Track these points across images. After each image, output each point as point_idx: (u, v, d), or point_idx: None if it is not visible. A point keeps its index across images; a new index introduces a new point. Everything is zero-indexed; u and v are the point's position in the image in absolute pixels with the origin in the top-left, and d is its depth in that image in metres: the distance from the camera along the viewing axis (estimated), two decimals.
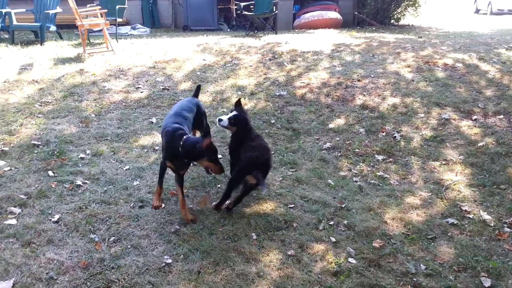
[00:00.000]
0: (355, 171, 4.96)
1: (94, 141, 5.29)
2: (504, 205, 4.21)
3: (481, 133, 5.58)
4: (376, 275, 3.19)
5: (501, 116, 6.03)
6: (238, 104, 4.29)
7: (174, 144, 3.65)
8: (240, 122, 4.12)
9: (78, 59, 8.44)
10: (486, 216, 4.00)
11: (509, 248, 3.59)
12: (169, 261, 3.23)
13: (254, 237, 3.61)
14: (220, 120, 4.11)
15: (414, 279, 3.16)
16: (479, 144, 5.30)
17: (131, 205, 3.97)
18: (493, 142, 5.35)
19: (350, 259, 3.36)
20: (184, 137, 3.64)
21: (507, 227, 3.88)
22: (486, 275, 3.22)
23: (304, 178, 4.71)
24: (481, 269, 3.29)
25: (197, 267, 3.19)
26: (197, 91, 4.81)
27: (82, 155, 4.89)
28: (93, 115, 6.05)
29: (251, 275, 3.15)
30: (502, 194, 4.40)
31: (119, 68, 7.84)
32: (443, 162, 5.03)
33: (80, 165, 4.69)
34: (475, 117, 6.01)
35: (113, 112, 6.16)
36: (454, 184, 4.57)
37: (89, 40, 10.30)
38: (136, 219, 3.75)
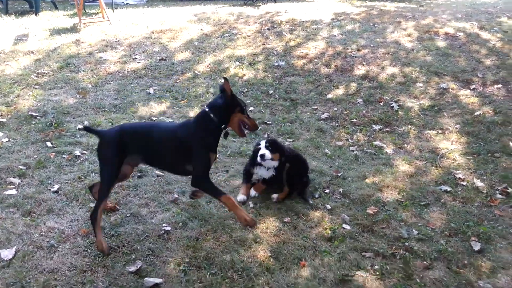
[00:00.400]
0: (352, 141, 4.99)
1: (91, 112, 5.30)
2: (497, 172, 4.27)
3: (479, 102, 5.58)
4: (369, 240, 3.28)
5: (500, 85, 6.02)
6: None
7: (206, 121, 3.06)
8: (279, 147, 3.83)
9: (74, 29, 8.33)
10: (479, 183, 4.06)
11: (500, 214, 3.67)
12: (168, 228, 3.31)
13: (251, 205, 3.69)
14: (262, 156, 3.67)
15: (406, 244, 3.24)
16: (476, 113, 5.31)
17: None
18: (490, 111, 5.36)
19: (344, 225, 3.44)
20: (204, 108, 3.11)
21: (499, 193, 3.95)
22: (476, 239, 3.31)
23: (302, 148, 4.74)
24: (472, 233, 3.37)
25: (195, 234, 3.27)
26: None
27: (80, 126, 4.91)
28: (90, 86, 6.03)
29: (248, 241, 3.23)
30: (496, 162, 4.46)
31: (116, 39, 7.75)
32: (440, 131, 5.06)
33: (78, 135, 4.72)
34: (473, 86, 6.00)
35: (110, 83, 6.13)
36: (449, 153, 4.62)
37: (84, 10, 10.13)
38: (135, 189, 3.81)
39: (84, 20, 8.76)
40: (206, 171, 3.09)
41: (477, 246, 3.24)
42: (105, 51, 7.23)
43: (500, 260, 3.11)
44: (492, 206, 3.79)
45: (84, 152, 4.39)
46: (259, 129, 5.14)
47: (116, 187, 3.80)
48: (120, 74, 6.42)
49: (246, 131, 3.23)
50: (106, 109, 5.40)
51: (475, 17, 8.78)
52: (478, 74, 6.29)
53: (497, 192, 3.99)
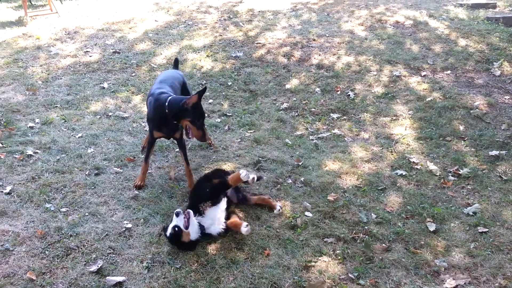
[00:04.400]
0: (312, 130, 5.07)
1: (43, 109, 5.07)
2: (449, 155, 4.49)
3: (429, 89, 5.81)
4: (331, 226, 3.36)
5: (449, 72, 6.29)
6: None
7: (160, 106, 3.41)
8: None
9: (19, 22, 7.89)
10: (433, 167, 4.25)
11: (453, 195, 3.87)
12: (129, 225, 3.24)
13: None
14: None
15: (366, 228, 3.36)
16: (427, 99, 5.54)
17: (87, 172, 3.89)
18: (440, 97, 5.61)
19: (306, 213, 3.51)
20: (170, 97, 3.43)
21: (451, 175, 4.16)
22: (432, 220, 3.48)
23: (262, 139, 4.77)
24: (427, 215, 3.54)
25: (158, 230, 3.22)
26: (176, 64, 4.54)
27: (31, 124, 4.68)
28: (40, 82, 5.75)
29: (212, 234, 3.21)
30: (447, 145, 4.68)
31: (66, 31, 7.42)
32: (394, 118, 5.24)
33: (29, 134, 4.50)
34: (424, 73, 6.24)
35: (61, 78, 5.88)
36: (403, 138, 4.80)
37: (30, 2, 9.58)
38: (93, 187, 3.70)
39: (31, 12, 8.31)
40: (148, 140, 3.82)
41: (432, 227, 3.40)
42: (55, 45, 6.91)
43: (454, 239, 3.29)
44: (445, 187, 3.98)
45: (37, 151, 4.20)
46: (219, 121, 5.11)
47: (72, 185, 3.68)
48: (72, 69, 6.16)
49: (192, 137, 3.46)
50: (58, 106, 5.17)
51: (424, 5, 9.10)
52: (429, 61, 6.55)
53: (450, 174, 4.19)
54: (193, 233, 2.96)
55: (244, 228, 3.03)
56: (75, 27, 7.60)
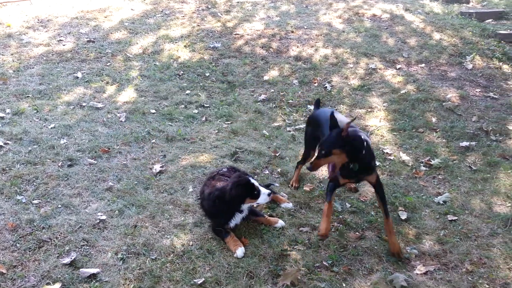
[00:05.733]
0: (289, 121, 5.10)
1: (14, 99, 4.92)
2: (421, 146, 4.60)
3: (404, 81, 5.92)
4: (306, 216, 3.41)
5: (423, 65, 6.42)
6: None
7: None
8: None
9: None
10: (405, 157, 4.35)
11: (424, 184, 3.98)
12: (104, 217, 3.20)
13: (191, 189, 3.66)
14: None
15: (340, 216, 3.42)
16: (401, 92, 5.64)
17: (59, 164, 3.82)
18: (414, 89, 5.73)
19: (283, 204, 3.54)
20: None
21: (423, 166, 4.27)
22: (403, 209, 3.57)
23: (240, 130, 4.77)
24: (399, 204, 3.63)
25: (133, 221, 3.20)
26: (317, 104, 3.82)
27: (1, 114, 4.54)
28: (11, 71, 5.57)
29: (189, 225, 3.22)
30: (420, 137, 4.79)
31: (38, 19, 7.19)
32: (369, 110, 5.33)
33: (0, 125, 4.37)
34: (399, 66, 6.35)
35: (33, 67, 5.71)
36: (378, 130, 4.89)
37: None
38: (66, 178, 3.63)
39: None
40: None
41: (404, 215, 3.49)
42: (27, 33, 6.69)
43: (424, 227, 3.39)
44: (417, 177, 4.09)
45: (8, 142, 4.08)
46: (196, 112, 5.09)
47: (44, 177, 3.61)
48: (44, 58, 5.99)
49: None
50: (30, 96, 5.03)
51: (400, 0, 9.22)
52: (404, 54, 6.66)
53: (421, 164, 4.30)
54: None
55: None
56: (48, 15, 7.37)
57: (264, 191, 3.05)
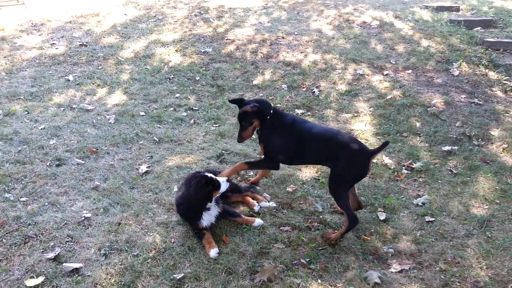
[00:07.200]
0: None
1: (5, 101, 5.01)
2: (404, 150, 4.71)
3: (390, 87, 6.04)
4: (288, 215, 3.50)
5: (410, 71, 6.55)
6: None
7: None
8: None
9: None
10: (388, 161, 4.45)
11: (405, 187, 4.08)
12: (89, 215, 3.28)
13: (176, 189, 3.73)
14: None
15: (320, 217, 3.51)
16: (387, 97, 5.76)
17: (48, 163, 3.90)
18: (400, 95, 5.84)
19: (265, 203, 3.62)
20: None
21: (405, 169, 4.37)
22: (382, 210, 3.67)
23: (227, 133, 4.87)
24: (379, 205, 3.72)
25: (117, 219, 3.28)
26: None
27: None
28: (3, 74, 5.66)
29: (172, 223, 3.30)
30: (403, 141, 4.90)
31: (32, 23, 7.30)
32: (355, 114, 5.44)
33: None
34: (386, 72, 6.47)
35: (25, 70, 5.80)
36: (363, 133, 4.99)
37: None
38: (53, 177, 3.71)
39: None
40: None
41: (382, 216, 3.59)
42: (20, 36, 6.79)
43: (402, 227, 3.48)
44: (398, 180, 4.19)
45: None
46: (185, 115, 5.18)
47: (32, 176, 3.69)
48: (37, 61, 6.09)
49: None
50: (22, 97, 5.12)
51: (391, 7, 9.38)
52: (391, 61, 6.79)
53: (403, 167, 4.41)
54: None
55: None
56: (41, 19, 7.48)
57: (221, 179, 3.19)
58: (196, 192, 3.04)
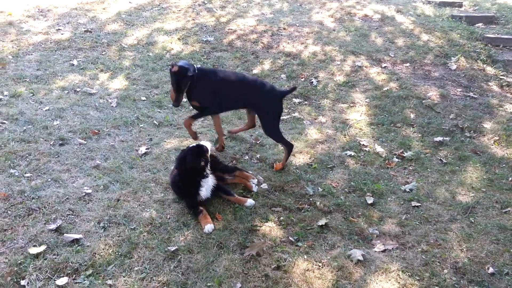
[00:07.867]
0: None
1: (11, 83, 5.17)
2: (397, 140, 4.84)
3: (387, 79, 6.16)
4: (279, 197, 3.65)
5: (408, 64, 6.66)
6: None
7: None
8: None
9: None
10: (380, 149, 4.59)
11: (394, 174, 4.22)
12: (89, 191, 3.45)
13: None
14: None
15: (311, 199, 3.66)
16: (384, 89, 5.88)
17: (51, 143, 4.06)
18: (397, 87, 5.96)
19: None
20: None
21: (396, 157, 4.51)
22: (371, 195, 3.81)
23: (225, 119, 5.01)
24: (367, 190, 3.87)
25: (116, 195, 3.44)
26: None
27: None
28: (10, 57, 5.82)
29: (168, 201, 3.46)
30: (397, 131, 5.03)
31: (39, 9, 7.44)
32: (351, 105, 5.57)
33: None
34: (384, 64, 6.58)
35: (31, 54, 5.96)
36: (357, 123, 5.13)
37: None
38: (57, 156, 3.88)
39: None
40: None
41: (370, 200, 3.74)
42: (27, 21, 6.94)
43: (388, 211, 3.64)
44: (388, 168, 4.33)
45: (4, 121, 4.34)
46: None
47: (36, 154, 3.86)
48: (43, 45, 6.24)
49: None
50: (27, 80, 5.28)
51: (393, 1, 9.43)
52: (390, 54, 6.90)
53: (395, 156, 4.54)
54: None
55: None
56: (48, 5, 7.62)
57: (205, 142, 3.55)
58: (192, 157, 3.31)
